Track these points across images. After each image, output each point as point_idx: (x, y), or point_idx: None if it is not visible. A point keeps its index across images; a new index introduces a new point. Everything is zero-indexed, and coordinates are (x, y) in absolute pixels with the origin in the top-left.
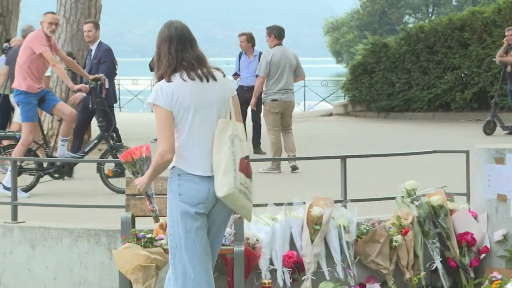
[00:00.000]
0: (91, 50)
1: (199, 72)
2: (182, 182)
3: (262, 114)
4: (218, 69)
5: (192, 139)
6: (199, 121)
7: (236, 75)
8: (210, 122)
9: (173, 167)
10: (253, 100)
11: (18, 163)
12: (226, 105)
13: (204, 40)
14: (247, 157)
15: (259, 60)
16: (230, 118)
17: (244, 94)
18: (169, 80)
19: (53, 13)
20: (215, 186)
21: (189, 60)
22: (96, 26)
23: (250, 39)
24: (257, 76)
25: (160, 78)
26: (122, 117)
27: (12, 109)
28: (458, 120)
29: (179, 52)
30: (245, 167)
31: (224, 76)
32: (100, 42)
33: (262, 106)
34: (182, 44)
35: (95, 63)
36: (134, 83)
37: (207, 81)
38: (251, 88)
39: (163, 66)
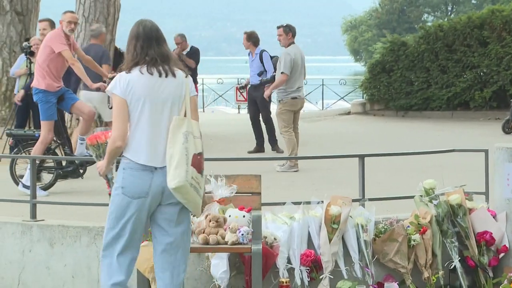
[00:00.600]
0: None
1: (160, 68)
2: (125, 176)
3: (275, 113)
4: (182, 69)
5: (139, 129)
6: (149, 113)
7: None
8: (161, 115)
9: (122, 156)
10: (267, 92)
11: (37, 162)
12: (181, 103)
13: (221, 39)
14: (200, 153)
15: (260, 59)
16: (185, 115)
17: (251, 93)
18: (128, 72)
19: (72, 12)
20: (168, 178)
21: (152, 56)
22: (52, 25)
23: (249, 38)
24: (272, 73)
25: (122, 70)
26: None
27: (32, 108)
28: (477, 119)
29: (144, 49)
30: (197, 163)
31: (187, 76)
32: None
33: (275, 105)
34: (148, 42)
35: None
36: None
37: (166, 76)
38: (256, 86)
39: (128, 60)
